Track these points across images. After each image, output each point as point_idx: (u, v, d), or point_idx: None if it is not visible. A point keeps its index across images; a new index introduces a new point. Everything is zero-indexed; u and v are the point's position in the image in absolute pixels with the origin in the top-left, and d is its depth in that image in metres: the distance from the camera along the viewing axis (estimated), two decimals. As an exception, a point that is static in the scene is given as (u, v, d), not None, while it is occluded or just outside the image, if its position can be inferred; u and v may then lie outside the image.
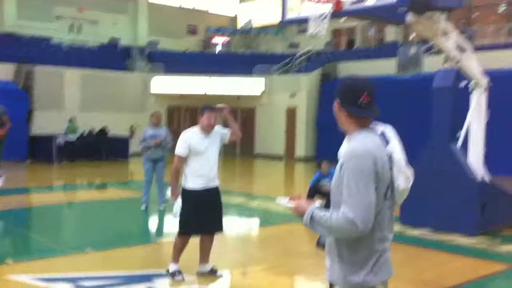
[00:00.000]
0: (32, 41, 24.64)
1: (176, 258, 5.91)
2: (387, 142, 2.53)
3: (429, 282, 6.27)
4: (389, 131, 2.59)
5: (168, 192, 5.96)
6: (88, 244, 7.52)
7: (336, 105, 2.58)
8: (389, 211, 2.51)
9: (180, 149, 5.68)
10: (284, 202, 2.68)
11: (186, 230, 5.82)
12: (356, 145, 2.44)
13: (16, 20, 24.99)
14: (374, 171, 2.37)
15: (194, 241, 5.98)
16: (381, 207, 2.43)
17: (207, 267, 6.05)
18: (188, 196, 5.68)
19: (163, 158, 10.17)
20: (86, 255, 7.04)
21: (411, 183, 2.58)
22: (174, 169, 5.80)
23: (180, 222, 5.77)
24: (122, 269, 6.46)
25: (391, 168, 2.49)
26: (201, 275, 6.05)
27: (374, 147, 2.43)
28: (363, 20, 17.72)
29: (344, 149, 2.48)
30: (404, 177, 2.53)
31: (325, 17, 8.28)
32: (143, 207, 10.18)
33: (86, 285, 5.86)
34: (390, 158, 2.48)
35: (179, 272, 5.88)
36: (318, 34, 8.52)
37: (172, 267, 5.91)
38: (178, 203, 5.72)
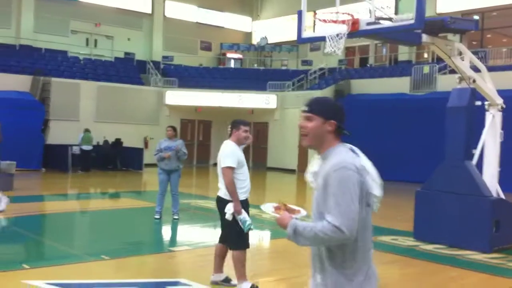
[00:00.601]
0: (48, 53, 25.07)
1: (245, 274, 5.82)
2: (357, 156, 2.66)
3: (442, 297, 6.28)
4: (355, 148, 2.71)
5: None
6: (102, 251, 7.63)
7: (326, 122, 2.62)
8: (370, 218, 2.62)
9: (232, 161, 5.67)
10: (269, 210, 2.72)
11: (248, 242, 5.83)
12: (341, 157, 2.54)
13: (33, 33, 25.41)
14: (359, 181, 2.49)
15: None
16: (365, 214, 2.54)
17: (222, 276, 6.11)
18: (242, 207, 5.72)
19: (178, 170, 10.29)
20: (100, 262, 7.11)
21: (382, 192, 2.67)
22: (231, 182, 5.67)
23: (246, 235, 5.73)
24: (135, 277, 6.51)
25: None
26: (216, 284, 6.10)
27: (355, 159, 2.58)
28: (379, 40, 17.85)
29: (331, 162, 2.54)
30: (377, 186, 2.61)
31: (342, 37, 8.34)
32: (156, 216, 10.29)
33: (100, 291, 5.94)
34: (364, 169, 2.59)
35: (254, 285, 5.85)
36: (334, 53, 8.58)
37: (248, 285, 5.81)
38: (246, 215, 5.63)
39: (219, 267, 6.09)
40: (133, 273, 6.72)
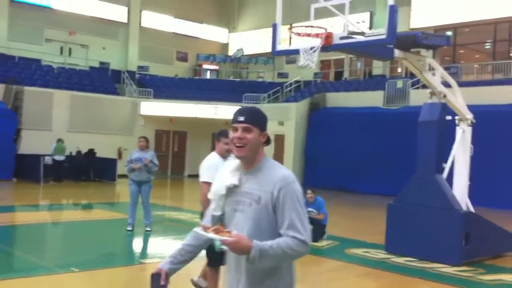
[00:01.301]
0: (22, 62, 24.76)
1: None
2: None
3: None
4: None
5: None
6: (73, 263, 7.53)
7: (261, 133, 2.57)
8: None
9: (209, 176, 5.24)
10: (211, 235, 2.39)
11: (222, 259, 5.55)
12: (284, 170, 2.52)
13: (6, 41, 25.07)
14: None
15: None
16: None
17: (204, 284, 6.02)
18: None
19: (149, 181, 10.22)
20: (70, 274, 7.02)
21: None
22: (205, 199, 5.42)
23: (220, 253, 5.19)
24: (106, 289, 6.48)
25: None
26: (194, 285, 6.04)
27: None
28: (352, 54, 18.06)
29: (275, 175, 2.47)
30: None
31: (315, 51, 8.43)
32: (129, 228, 10.20)
33: (70, 303, 5.87)
34: None
35: None
36: (308, 67, 8.66)
37: None
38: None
39: (205, 275, 6.01)
40: (103, 286, 6.67)
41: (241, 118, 2.53)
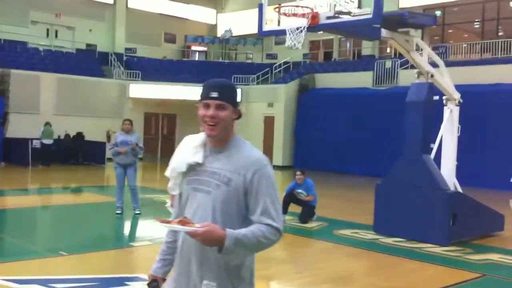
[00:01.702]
0: (7, 44, 24.42)
1: None
2: None
3: (400, 289, 6.40)
4: None
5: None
6: (62, 247, 7.53)
7: (234, 110, 2.35)
8: None
9: None
10: (178, 228, 2.14)
11: None
12: (256, 151, 2.36)
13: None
14: None
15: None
16: None
17: None
18: None
19: (134, 164, 10.18)
20: (59, 258, 7.01)
21: None
22: None
23: None
24: (95, 272, 6.44)
25: None
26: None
27: None
28: (339, 34, 17.98)
29: (252, 157, 2.30)
30: None
31: (301, 31, 8.39)
32: (118, 211, 10.19)
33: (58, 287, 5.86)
34: None
35: None
36: (295, 47, 8.62)
37: None
38: None
39: None
40: (92, 269, 6.65)
41: (214, 94, 2.28)
